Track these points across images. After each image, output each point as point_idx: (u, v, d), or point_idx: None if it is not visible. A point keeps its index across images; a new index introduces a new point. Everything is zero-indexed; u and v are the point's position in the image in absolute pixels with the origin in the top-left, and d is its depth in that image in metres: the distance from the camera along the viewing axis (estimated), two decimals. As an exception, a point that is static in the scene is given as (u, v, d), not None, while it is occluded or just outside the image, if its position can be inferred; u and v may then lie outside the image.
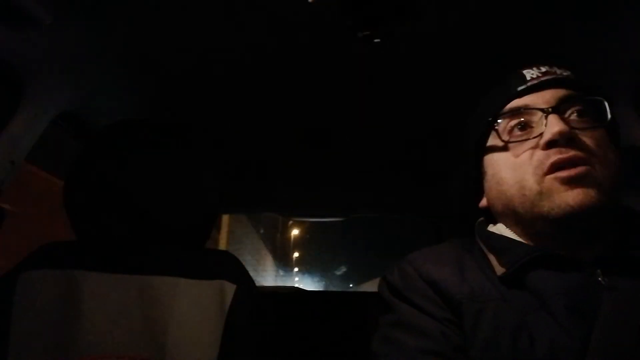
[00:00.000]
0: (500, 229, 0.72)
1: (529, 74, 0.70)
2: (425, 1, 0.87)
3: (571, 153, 0.61)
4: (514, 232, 0.70)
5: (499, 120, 0.70)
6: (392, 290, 0.72)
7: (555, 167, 0.61)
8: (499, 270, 0.65)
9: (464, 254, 0.71)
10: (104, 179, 0.79)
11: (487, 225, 0.75)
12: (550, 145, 0.62)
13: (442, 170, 1.68)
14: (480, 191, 0.76)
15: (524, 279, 0.62)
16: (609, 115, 0.65)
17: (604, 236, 0.63)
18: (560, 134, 0.61)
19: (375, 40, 0.93)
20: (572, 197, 0.59)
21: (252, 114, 1.37)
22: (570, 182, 0.60)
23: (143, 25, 0.97)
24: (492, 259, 0.68)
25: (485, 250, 0.71)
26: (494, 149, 0.71)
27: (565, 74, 0.69)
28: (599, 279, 0.58)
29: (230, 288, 0.78)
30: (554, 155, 0.61)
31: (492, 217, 0.75)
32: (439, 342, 0.60)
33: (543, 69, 0.70)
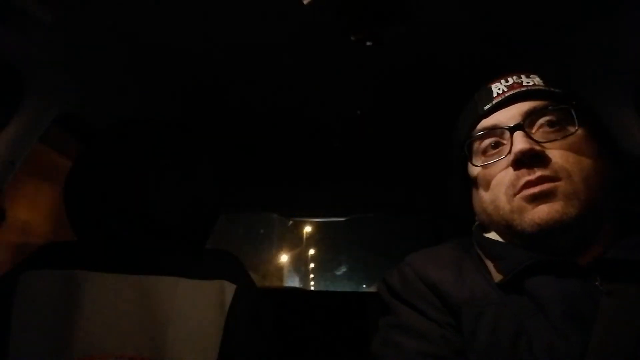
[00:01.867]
0: (495, 235, 0.72)
1: (496, 88, 0.70)
2: (421, 2, 0.87)
3: (538, 174, 0.61)
4: (507, 241, 0.70)
5: (472, 141, 0.71)
6: (391, 292, 0.72)
7: (524, 188, 0.62)
8: (497, 277, 0.65)
9: (463, 256, 0.71)
10: (104, 179, 0.79)
11: (483, 230, 0.75)
12: (517, 164, 0.63)
13: (442, 170, 1.68)
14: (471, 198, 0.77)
15: (521, 285, 0.61)
16: (577, 123, 0.64)
17: (597, 240, 0.62)
18: (523, 153, 0.62)
19: (368, 44, 0.93)
20: (537, 214, 0.60)
21: (252, 114, 1.37)
22: (535, 200, 0.61)
23: (143, 25, 0.97)
24: (489, 264, 0.68)
25: (482, 256, 0.71)
26: (473, 170, 0.73)
27: (531, 82, 0.68)
28: (597, 283, 0.58)
29: (230, 288, 0.78)
30: (523, 177, 0.62)
31: None
32: (439, 346, 0.60)
33: (510, 81, 0.69)
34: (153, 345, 0.70)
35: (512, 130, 0.64)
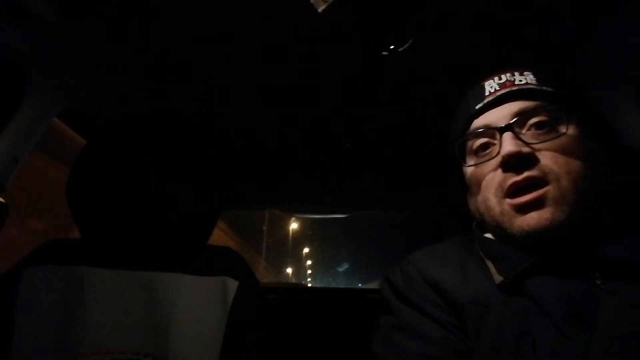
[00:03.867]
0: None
1: (488, 87, 0.70)
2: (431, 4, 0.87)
3: (524, 175, 0.61)
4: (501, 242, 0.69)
5: (464, 141, 0.71)
6: (394, 292, 0.71)
7: (511, 191, 0.62)
8: (497, 278, 0.64)
9: (465, 254, 0.71)
10: (107, 175, 0.79)
11: (482, 229, 0.75)
12: (504, 166, 0.63)
13: (443, 167, 1.67)
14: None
15: (523, 286, 0.61)
16: (566, 123, 0.63)
17: (596, 240, 0.61)
18: (510, 156, 0.62)
19: (384, 53, 0.93)
20: (526, 222, 0.61)
21: (255, 111, 1.37)
22: (523, 209, 0.61)
23: (146, 22, 0.97)
24: (490, 265, 0.67)
25: (483, 256, 0.70)
26: (466, 167, 0.73)
27: (524, 81, 0.67)
28: (598, 282, 0.57)
29: (232, 284, 0.78)
30: (510, 179, 0.62)
31: None
32: (440, 348, 0.60)
33: (503, 79, 0.69)
34: (156, 341, 0.70)
35: (502, 131, 0.64)
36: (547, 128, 0.64)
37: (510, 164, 0.62)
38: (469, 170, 0.72)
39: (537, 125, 0.64)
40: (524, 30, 0.97)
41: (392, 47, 0.93)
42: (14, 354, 0.66)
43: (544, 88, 0.66)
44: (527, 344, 0.56)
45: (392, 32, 0.91)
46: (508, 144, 0.62)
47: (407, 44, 0.93)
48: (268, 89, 1.24)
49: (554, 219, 0.59)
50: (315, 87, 1.23)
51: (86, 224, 0.80)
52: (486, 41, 1.01)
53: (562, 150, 0.62)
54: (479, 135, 0.69)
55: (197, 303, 0.74)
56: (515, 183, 0.62)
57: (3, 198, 0.96)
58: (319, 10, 0.85)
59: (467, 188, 0.76)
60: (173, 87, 1.23)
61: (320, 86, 1.23)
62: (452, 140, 0.75)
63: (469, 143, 0.71)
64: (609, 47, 0.94)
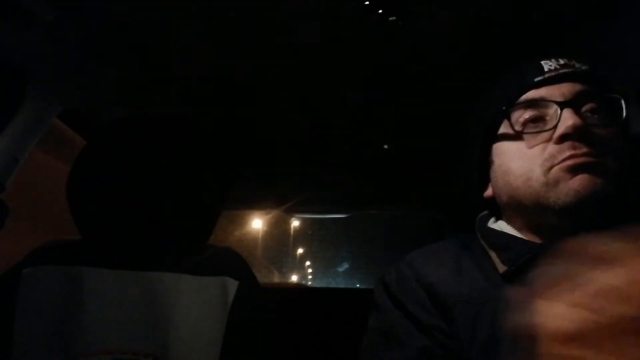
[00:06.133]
0: (501, 225, 0.72)
1: (547, 65, 0.68)
2: None
3: (584, 149, 0.60)
4: (516, 227, 0.69)
5: (513, 110, 0.68)
6: (387, 292, 0.71)
7: (567, 160, 0.60)
8: (501, 267, 0.64)
9: (463, 253, 0.71)
10: (107, 175, 0.79)
11: (489, 221, 0.75)
12: (563, 138, 0.61)
13: (444, 166, 1.67)
14: (485, 180, 0.74)
15: (526, 276, 0.61)
16: (624, 114, 0.63)
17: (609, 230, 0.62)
18: (574, 127, 0.60)
19: (391, 19, 0.91)
20: (578, 182, 0.58)
21: (255, 110, 1.37)
22: (577, 170, 0.59)
23: (145, 22, 0.97)
24: (493, 255, 0.67)
25: (486, 247, 0.70)
26: (505, 138, 0.69)
27: (583, 68, 0.67)
28: None
29: (232, 284, 0.78)
30: (567, 151, 0.60)
31: (496, 209, 0.74)
32: (417, 358, 0.61)
33: (562, 62, 0.68)
34: (156, 341, 0.70)
35: (562, 105, 0.63)
36: (602, 114, 0.64)
37: (572, 136, 0.60)
38: (509, 141, 0.68)
39: (593, 109, 0.64)
40: (523, 30, 0.97)
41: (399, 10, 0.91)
42: (14, 354, 0.66)
43: (602, 77, 0.67)
44: None
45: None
46: (570, 117, 0.61)
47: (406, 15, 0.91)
48: (268, 89, 1.24)
49: (605, 188, 0.58)
50: (315, 87, 1.23)
51: (86, 224, 0.80)
52: (486, 41, 1.01)
53: (615, 139, 0.62)
54: (534, 105, 0.66)
55: (197, 303, 0.74)
56: (574, 155, 0.60)
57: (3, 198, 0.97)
58: None
59: (486, 169, 0.73)
60: (173, 86, 1.23)
61: (320, 86, 1.23)
62: (491, 111, 0.72)
63: (517, 113, 0.68)
64: (609, 47, 0.94)
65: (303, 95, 1.28)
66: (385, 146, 1.51)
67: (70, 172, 0.81)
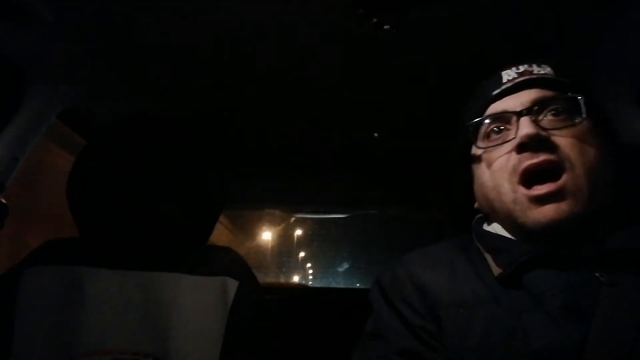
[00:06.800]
0: (496, 228, 0.72)
1: (506, 75, 0.70)
2: None
3: (542, 157, 0.61)
4: (509, 231, 0.69)
5: (479, 124, 0.70)
6: (380, 292, 0.72)
7: (526, 176, 0.61)
8: (496, 270, 0.64)
9: (459, 256, 0.71)
10: (107, 175, 0.79)
11: (484, 224, 0.75)
12: (521, 148, 0.62)
13: (444, 167, 1.67)
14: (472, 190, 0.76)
15: (521, 279, 0.61)
16: (584, 113, 0.63)
17: (598, 233, 0.62)
18: (529, 137, 0.61)
19: (385, 27, 0.91)
20: (542, 214, 0.60)
21: (255, 110, 1.37)
22: (540, 201, 0.60)
23: (145, 22, 0.97)
24: (489, 258, 0.67)
25: (482, 250, 0.70)
26: (476, 153, 0.72)
27: (542, 72, 0.68)
28: (597, 274, 0.57)
29: (232, 284, 0.78)
30: (526, 161, 0.61)
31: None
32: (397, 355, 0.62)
33: (521, 69, 0.69)
34: (156, 341, 0.70)
35: (519, 115, 0.64)
36: (563, 116, 0.64)
37: (528, 145, 0.61)
38: (478, 153, 0.71)
39: (554, 113, 0.64)
40: (523, 30, 0.97)
41: (394, 20, 0.91)
42: (14, 354, 0.66)
43: (562, 79, 0.67)
44: (518, 338, 0.56)
45: (400, 5, 0.89)
46: (526, 126, 0.62)
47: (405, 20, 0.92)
48: (268, 89, 1.24)
49: (571, 212, 0.58)
50: (315, 86, 1.23)
51: (86, 224, 0.80)
52: (486, 41, 1.01)
53: (578, 140, 0.62)
54: (495, 119, 0.68)
55: (198, 303, 0.74)
56: (532, 166, 0.61)
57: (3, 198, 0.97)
58: None
59: (471, 179, 0.75)
60: (173, 86, 1.23)
61: (320, 86, 1.23)
62: (463, 125, 0.74)
63: (483, 128, 0.70)
64: (609, 46, 0.94)
65: (303, 96, 1.28)
66: (375, 134, 1.50)
67: (71, 171, 0.81)
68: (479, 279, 0.65)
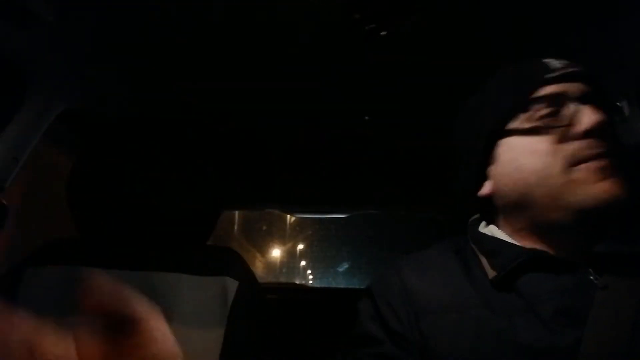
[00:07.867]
0: (492, 229, 0.71)
1: (553, 63, 0.67)
2: None
3: (603, 148, 0.59)
4: (510, 230, 0.68)
5: (529, 105, 0.65)
6: (369, 296, 0.71)
7: (588, 159, 0.59)
8: (491, 273, 0.63)
9: (453, 259, 0.69)
10: (106, 175, 0.79)
11: (479, 225, 0.74)
12: (587, 134, 0.59)
13: (446, 167, 1.67)
14: (482, 178, 0.71)
15: (515, 282, 0.60)
16: (627, 115, 0.65)
17: (603, 234, 0.61)
18: (598, 123, 0.59)
19: (382, 33, 0.92)
20: (604, 187, 0.57)
21: (255, 110, 1.37)
22: (602, 173, 0.57)
23: (146, 22, 0.97)
24: (484, 261, 0.66)
25: (478, 252, 0.69)
26: (517, 133, 0.66)
27: (584, 70, 0.66)
28: (591, 278, 0.57)
29: (232, 285, 0.78)
30: (593, 148, 0.59)
31: (488, 210, 0.72)
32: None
33: (564, 62, 0.67)
34: None
35: (584, 101, 0.61)
36: (609, 115, 0.63)
37: (594, 132, 0.59)
38: (518, 137, 0.66)
39: (604, 109, 0.63)
40: (524, 29, 0.97)
41: (390, 26, 0.92)
42: None
43: (603, 81, 0.66)
44: (508, 341, 0.55)
45: (396, 12, 0.89)
46: (593, 113, 0.59)
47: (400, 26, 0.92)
48: (268, 89, 1.24)
49: (625, 192, 0.57)
50: (315, 86, 1.23)
51: (87, 224, 0.80)
52: (486, 41, 1.01)
53: (615, 138, 0.62)
54: (551, 101, 0.64)
55: (198, 303, 0.74)
56: (597, 154, 0.58)
57: (3, 198, 0.96)
58: None
59: (489, 161, 0.70)
60: (173, 87, 1.24)
61: (320, 86, 1.23)
62: (506, 100, 0.68)
63: (533, 107, 0.65)
64: (609, 47, 0.94)
65: (303, 96, 1.28)
66: (366, 117, 1.48)
67: (70, 171, 0.81)
68: (472, 282, 0.64)
